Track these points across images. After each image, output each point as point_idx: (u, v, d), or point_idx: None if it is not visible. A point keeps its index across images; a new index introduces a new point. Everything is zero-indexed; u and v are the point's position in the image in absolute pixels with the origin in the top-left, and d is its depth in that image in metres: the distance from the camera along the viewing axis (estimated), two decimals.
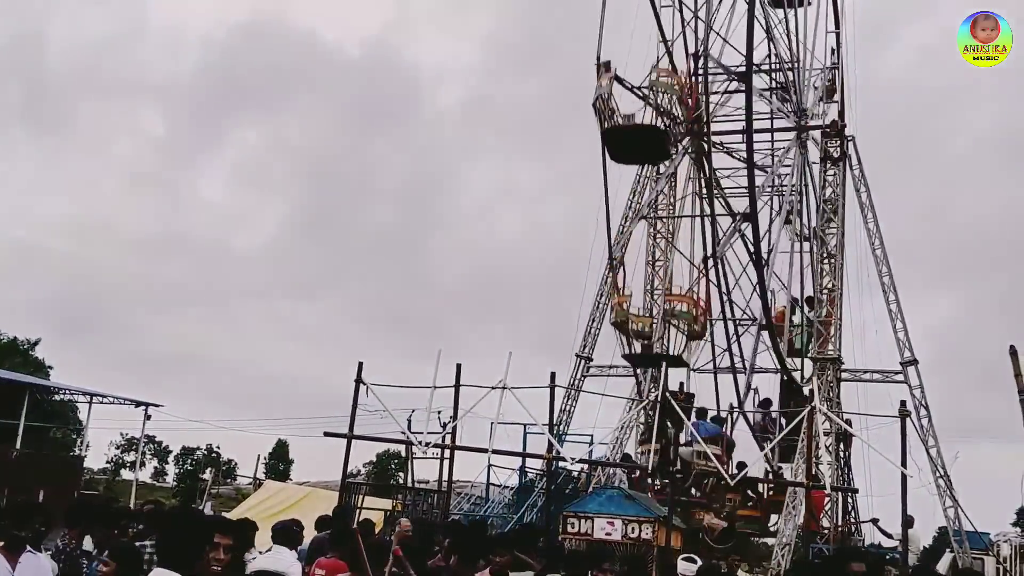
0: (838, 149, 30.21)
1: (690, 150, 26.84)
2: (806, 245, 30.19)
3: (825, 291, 29.67)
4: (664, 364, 19.42)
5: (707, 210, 26.43)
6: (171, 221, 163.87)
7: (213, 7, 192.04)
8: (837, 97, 30.75)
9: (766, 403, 28.83)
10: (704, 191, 27.06)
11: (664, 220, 30.27)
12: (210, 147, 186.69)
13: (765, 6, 27.33)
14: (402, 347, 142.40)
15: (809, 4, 29.55)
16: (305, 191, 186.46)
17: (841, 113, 30.65)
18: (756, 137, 25.76)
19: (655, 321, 24.61)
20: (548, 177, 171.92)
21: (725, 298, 25.37)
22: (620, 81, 22.23)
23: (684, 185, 29.03)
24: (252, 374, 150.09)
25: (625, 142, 21.50)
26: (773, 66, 28.70)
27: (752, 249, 24.32)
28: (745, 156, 24.31)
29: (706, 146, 25.81)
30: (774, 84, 28.86)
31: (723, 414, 27.45)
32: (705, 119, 23.92)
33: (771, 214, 28.89)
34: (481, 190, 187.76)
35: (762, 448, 25.44)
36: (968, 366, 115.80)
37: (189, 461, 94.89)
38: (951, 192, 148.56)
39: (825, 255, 29.86)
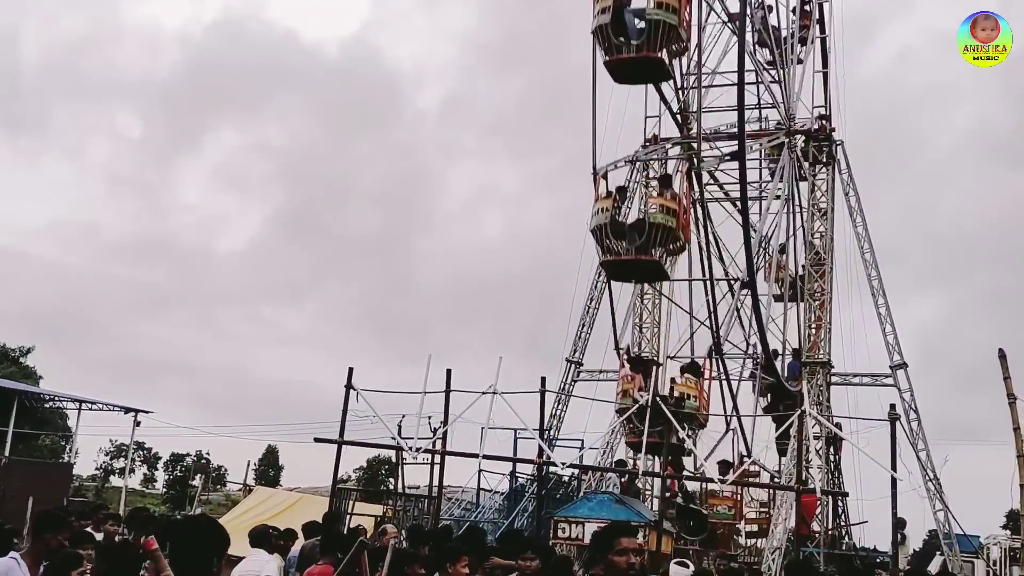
0: (826, 154, 30.36)
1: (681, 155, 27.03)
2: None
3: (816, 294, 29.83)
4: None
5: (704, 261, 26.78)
6: (152, 224, 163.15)
7: (187, 5, 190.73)
8: (823, 100, 30.94)
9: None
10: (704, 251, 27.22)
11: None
12: (188, 149, 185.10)
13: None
14: (388, 351, 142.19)
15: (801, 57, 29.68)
16: (286, 193, 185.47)
17: (828, 117, 30.79)
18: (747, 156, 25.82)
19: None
20: (529, 177, 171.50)
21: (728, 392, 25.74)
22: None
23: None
24: (240, 380, 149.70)
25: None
26: (761, 80, 28.75)
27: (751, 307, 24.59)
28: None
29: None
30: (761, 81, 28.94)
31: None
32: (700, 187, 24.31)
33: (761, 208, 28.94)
34: (463, 191, 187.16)
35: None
36: (954, 368, 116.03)
37: (179, 467, 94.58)
38: (935, 192, 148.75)
39: (814, 259, 30.03)
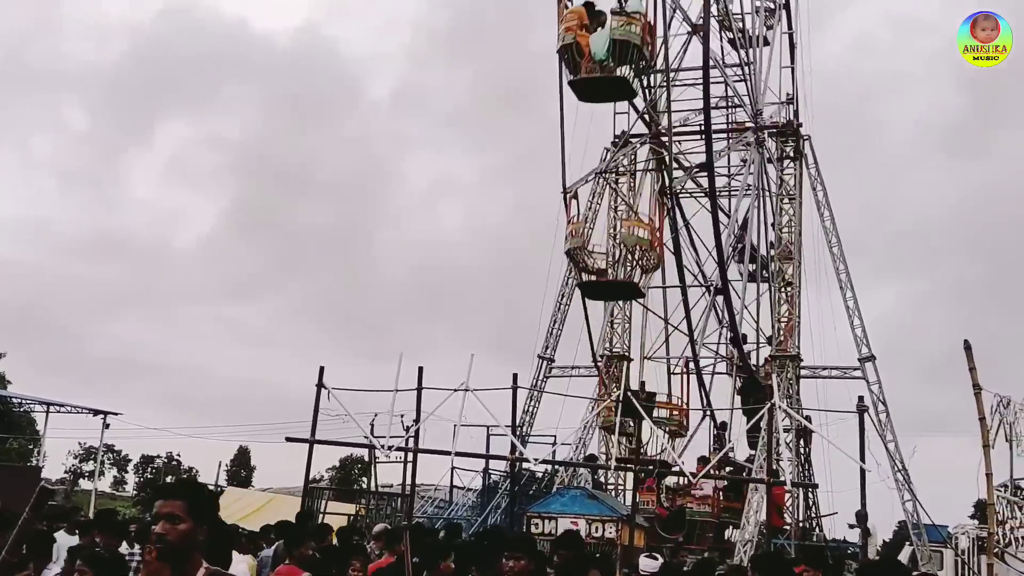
0: (794, 149, 30.59)
1: (649, 153, 27.20)
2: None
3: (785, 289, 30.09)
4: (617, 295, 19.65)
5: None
6: (105, 221, 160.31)
7: None
8: (790, 94, 31.16)
9: (723, 426, 29.02)
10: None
11: None
12: (138, 142, 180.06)
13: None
14: (351, 348, 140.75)
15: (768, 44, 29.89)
16: (240, 186, 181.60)
17: (796, 113, 31.02)
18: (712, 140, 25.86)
19: (611, 250, 24.42)
20: (489, 168, 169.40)
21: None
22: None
23: (641, 181, 29.33)
24: (206, 379, 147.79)
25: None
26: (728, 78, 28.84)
27: (724, 309, 24.75)
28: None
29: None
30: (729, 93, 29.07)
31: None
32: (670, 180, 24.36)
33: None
34: (422, 183, 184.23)
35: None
36: (916, 358, 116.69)
37: (149, 469, 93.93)
38: (892, 181, 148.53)
39: (782, 255, 30.28)
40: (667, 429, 23.05)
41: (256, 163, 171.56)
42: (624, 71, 20.46)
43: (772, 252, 30.23)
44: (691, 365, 25.86)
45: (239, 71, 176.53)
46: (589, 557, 8.96)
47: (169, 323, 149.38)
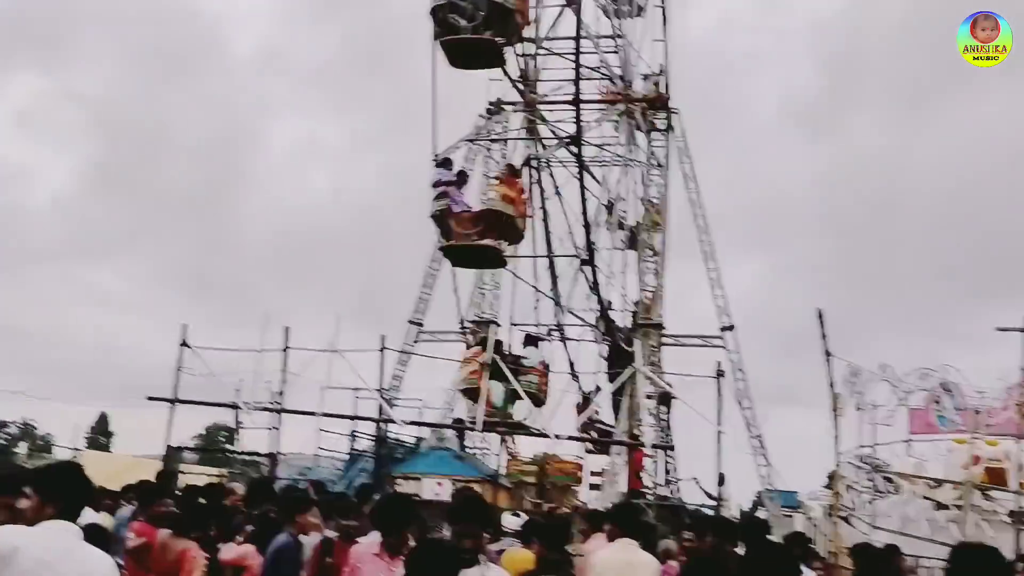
0: (664, 121, 31.22)
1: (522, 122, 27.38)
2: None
3: (651, 263, 30.76)
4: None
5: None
6: None
7: None
8: (661, 66, 31.69)
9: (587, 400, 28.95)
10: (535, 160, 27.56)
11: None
12: None
13: None
14: (214, 313, 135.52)
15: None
16: (96, 143, 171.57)
17: (667, 86, 31.60)
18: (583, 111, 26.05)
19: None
20: (354, 132, 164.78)
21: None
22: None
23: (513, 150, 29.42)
24: (61, 343, 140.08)
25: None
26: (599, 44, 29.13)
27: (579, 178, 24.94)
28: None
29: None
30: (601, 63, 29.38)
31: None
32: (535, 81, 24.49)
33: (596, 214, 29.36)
34: (285, 145, 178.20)
35: None
36: (773, 331, 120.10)
37: (1, 435, 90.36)
38: (755, 156, 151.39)
39: (649, 226, 30.91)
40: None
41: (113, 119, 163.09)
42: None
43: (640, 222, 30.77)
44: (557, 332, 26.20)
45: (96, 23, 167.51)
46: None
47: (20, 285, 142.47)
